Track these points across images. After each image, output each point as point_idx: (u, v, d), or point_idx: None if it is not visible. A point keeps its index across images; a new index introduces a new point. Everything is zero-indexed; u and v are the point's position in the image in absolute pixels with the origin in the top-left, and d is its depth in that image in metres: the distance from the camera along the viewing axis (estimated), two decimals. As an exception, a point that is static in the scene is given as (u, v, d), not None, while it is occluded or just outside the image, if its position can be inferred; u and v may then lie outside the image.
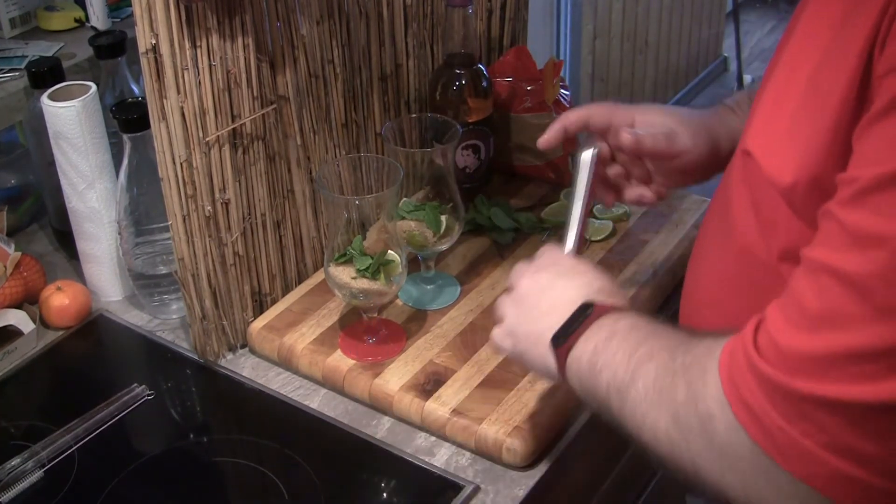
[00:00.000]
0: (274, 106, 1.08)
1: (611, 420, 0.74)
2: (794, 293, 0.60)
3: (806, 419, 0.58)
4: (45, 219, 1.37)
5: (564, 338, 0.78)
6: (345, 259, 1.04)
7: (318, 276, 1.19)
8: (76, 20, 1.42)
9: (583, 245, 0.95)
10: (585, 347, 0.76)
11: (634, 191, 1.00)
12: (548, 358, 0.80)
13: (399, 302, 1.15)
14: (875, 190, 0.56)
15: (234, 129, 1.04)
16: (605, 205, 1.01)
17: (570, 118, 1.00)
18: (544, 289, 0.84)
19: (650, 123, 0.96)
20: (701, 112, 1.00)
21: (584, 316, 0.78)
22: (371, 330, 1.08)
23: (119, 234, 1.17)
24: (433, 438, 1.01)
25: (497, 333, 0.88)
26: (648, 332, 0.74)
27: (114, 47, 1.24)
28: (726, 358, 0.64)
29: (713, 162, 0.96)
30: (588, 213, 0.96)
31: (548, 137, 1.00)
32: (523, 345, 0.84)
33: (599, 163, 0.97)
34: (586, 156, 0.96)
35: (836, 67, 0.62)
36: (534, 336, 0.82)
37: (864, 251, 0.56)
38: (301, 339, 1.09)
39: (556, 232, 1.27)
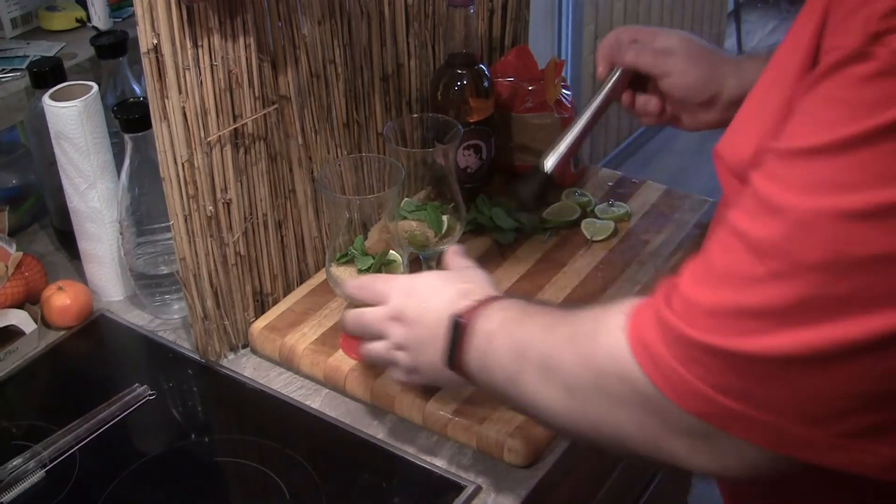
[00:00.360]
0: (275, 106, 1.08)
1: (518, 410, 0.80)
2: (706, 249, 0.65)
3: (698, 363, 0.62)
4: (46, 219, 1.37)
5: (453, 357, 0.83)
6: (346, 259, 1.04)
7: (320, 277, 1.19)
8: (77, 20, 1.42)
9: (567, 163, 1.03)
10: (473, 356, 0.82)
11: (643, 97, 1.06)
12: (454, 378, 0.86)
13: (400, 302, 1.15)
14: (785, 162, 0.60)
15: (235, 129, 1.04)
16: (626, 105, 1.07)
17: (604, 44, 1.06)
18: (416, 322, 0.88)
19: (654, 41, 1.03)
20: (727, 53, 1.03)
21: (457, 331, 0.82)
22: None
23: (120, 234, 1.16)
24: (435, 438, 1.01)
25: (399, 375, 0.93)
26: (520, 321, 0.79)
27: (115, 47, 1.24)
28: (636, 311, 0.68)
29: (709, 99, 1.00)
30: (589, 130, 1.03)
31: (601, 70, 1.07)
32: (432, 376, 0.90)
33: (621, 82, 1.05)
34: (611, 74, 1.05)
35: (794, 48, 0.65)
36: (432, 366, 0.87)
37: (766, 219, 0.59)
38: (303, 340, 1.09)
39: (558, 232, 1.27)
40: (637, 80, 1.05)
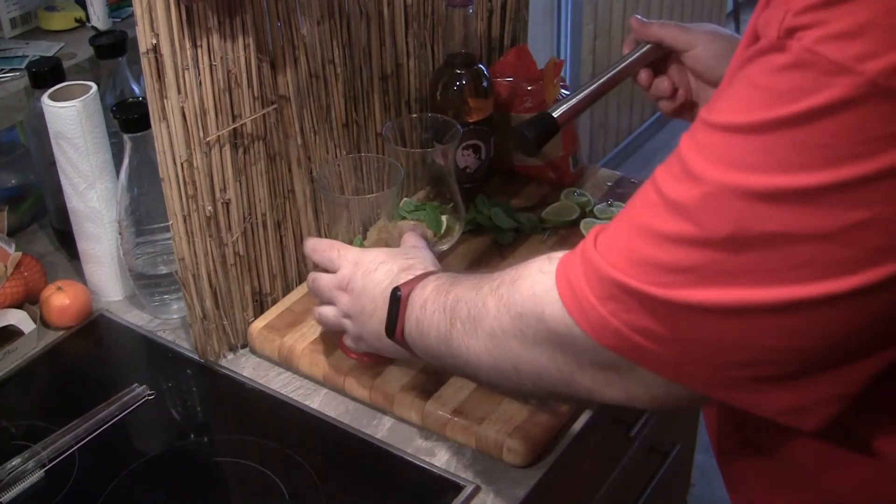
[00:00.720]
0: (274, 106, 1.08)
1: (453, 370, 0.86)
2: (634, 198, 0.69)
3: (614, 300, 0.67)
4: (45, 219, 1.37)
5: (392, 327, 0.88)
6: None
7: (319, 276, 1.19)
8: (77, 20, 1.42)
9: (575, 116, 1.05)
10: (410, 323, 0.87)
11: (659, 77, 1.09)
12: (395, 347, 0.91)
13: (400, 302, 1.15)
14: (706, 133, 0.63)
15: (234, 129, 1.04)
16: (641, 83, 1.10)
17: (632, 22, 1.10)
18: (361, 293, 0.94)
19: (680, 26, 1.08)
20: None
21: (396, 301, 0.87)
22: None
23: (120, 234, 1.17)
24: (434, 438, 1.01)
25: (349, 342, 1.00)
26: (452, 284, 0.84)
27: (114, 47, 1.24)
28: (567, 256, 0.73)
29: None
30: (602, 93, 1.06)
31: (627, 47, 1.10)
32: (376, 344, 0.95)
33: (644, 56, 1.07)
34: (636, 48, 1.07)
35: (751, 23, 0.68)
36: (375, 335, 0.93)
37: (685, 184, 0.63)
38: (302, 339, 1.09)
39: (557, 232, 1.27)
40: (658, 64, 1.09)
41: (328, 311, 0.99)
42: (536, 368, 0.75)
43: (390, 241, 1.04)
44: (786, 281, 0.60)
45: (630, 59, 1.07)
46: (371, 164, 1.09)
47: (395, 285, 0.88)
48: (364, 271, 0.94)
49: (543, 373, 0.75)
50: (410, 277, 0.89)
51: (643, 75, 1.09)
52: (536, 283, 0.74)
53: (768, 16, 0.61)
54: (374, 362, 1.05)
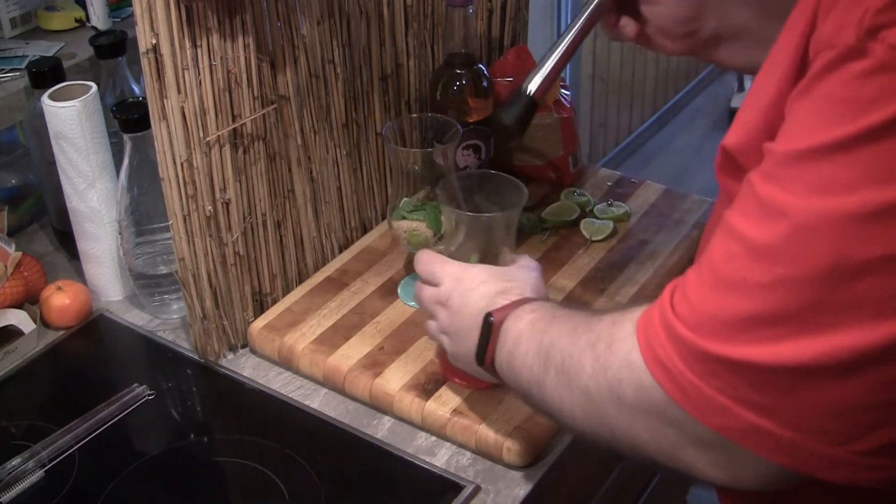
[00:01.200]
0: (274, 106, 1.08)
1: (546, 415, 0.81)
2: (709, 255, 0.64)
3: (716, 376, 0.61)
4: (45, 219, 1.37)
5: (482, 354, 0.85)
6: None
7: (319, 276, 1.19)
8: (77, 20, 1.42)
9: (551, 86, 0.99)
10: (502, 356, 0.84)
11: (625, 18, 0.99)
12: (485, 373, 0.88)
13: (400, 301, 1.15)
14: (785, 164, 0.59)
15: (234, 129, 1.04)
16: (604, 25, 1.00)
17: None
18: (458, 311, 0.91)
19: None
20: None
21: (489, 329, 0.84)
22: None
23: (119, 233, 1.17)
24: (434, 438, 1.01)
25: (449, 357, 0.96)
26: (548, 323, 0.79)
27: (114, 47, 1.24)
28: (644, 319, 0.68)
29: (688, 33, 0.95)
30: (572, 53, 0.99)
31: None
32: (469, 367, 0.91)
33: (605, 3, 0.98)
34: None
35: (784, 47, 0.64)
36: (469, 357, 0.89)
37: (770, 223, 0.59)
38: (302, 339, 1.09)
39: (557, 232, 1.27)
40: (622, 3, 0.99)
41: (431, 324, 0.96)
42: (634, 439, 0.70)
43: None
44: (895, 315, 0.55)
45: (592, 9, 0.99)
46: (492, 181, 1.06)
47: (489, 309, 0.85)
48: (464, 289, 0.91)
49: (642, 445, 0.69)
50: (506, 302, 0.85)
51: (609, 19, 1.00)
52: (633, 350, 0.67)
53: (832, 27, 0.57)
54: (471, 386, 1.01)
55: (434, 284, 0.94)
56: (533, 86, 1.01)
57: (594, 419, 0.72)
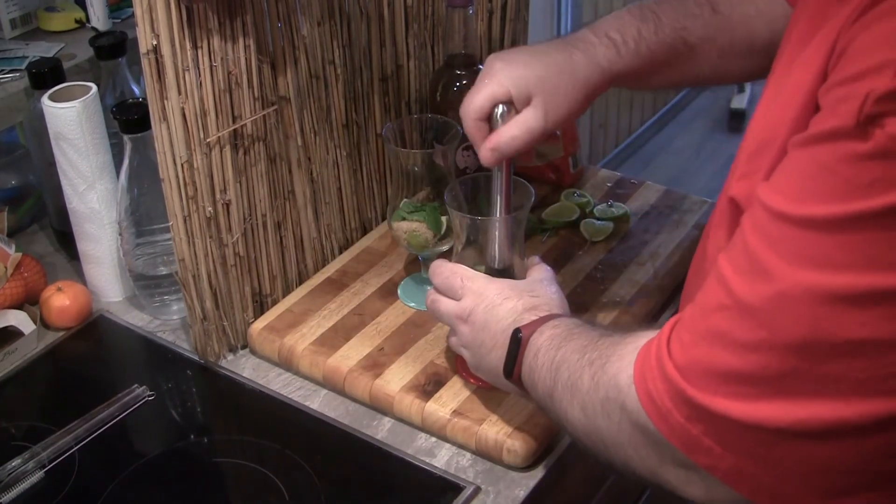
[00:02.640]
0: (275, 107, 1.08)
1: (557, 424, 0.83)
2: (703, 298, 0.65)
3: (701, 421, 0.63)
4: (45, 219, 1.37)
5: (511, 369, 0.86)
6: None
7: (319, 277, 1.19)
8: (77, 21, 1.42)
9: (509, 205, 0.97)
10: (525, 368, 0.85)
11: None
12: (512, 385, 0.88)
13: (400, 302, 1.15)
14: (777, 224, 0.59)
15: (234, 130, 1.04)
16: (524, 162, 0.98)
17: (473, 135, 0.96)
18: (482, 328, 0.91)
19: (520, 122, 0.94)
20: (566, 63, 0.93)
21: (517, 345, 0.85)
22: None
23: (119, 234, 1.17)
24: (434, 439, 1.01)
25: (470, 370, 0.97)
26: (563, 339, 0.81)
27: (114, 48, 1.24)
28: (644, 351, 0.70)
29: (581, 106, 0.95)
30: (510, 174, 0.97)
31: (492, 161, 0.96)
32: (492, 379, 0.93)
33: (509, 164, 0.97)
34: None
35: (795, 89, 0.63)
36: (493, 371, 0.90)
37: (756, 282, 0.59)
38: (302, 340, 1.09)
39: (557, 232, 1.27)
40: None
41: (451, 339, 0.97)
42: (621, 455, 0.73)
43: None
44: (881, 393, 0.56)
45: (505, 176, 0.96)
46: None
47: (517, 325, 0.86)
48: (487, 305, 0.91)
49: (629, 460, 0.73)
50: (534, 318, 0.86)
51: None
52: (623, 373, 0.71)
53: (840, 93, 0.56)
54: (485, 386, 1.01)
55: (452, 297, 0.94)
56: (496, 260, 0.98)
57: (591, 433, 0.76)
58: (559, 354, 0.80)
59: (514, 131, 0.93)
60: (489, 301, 0.91)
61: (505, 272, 0.97)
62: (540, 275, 0.95)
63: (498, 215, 0.97)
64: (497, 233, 0.97)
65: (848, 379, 0.56)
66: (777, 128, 0.65)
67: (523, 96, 0.92)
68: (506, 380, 0.88)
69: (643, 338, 0.72)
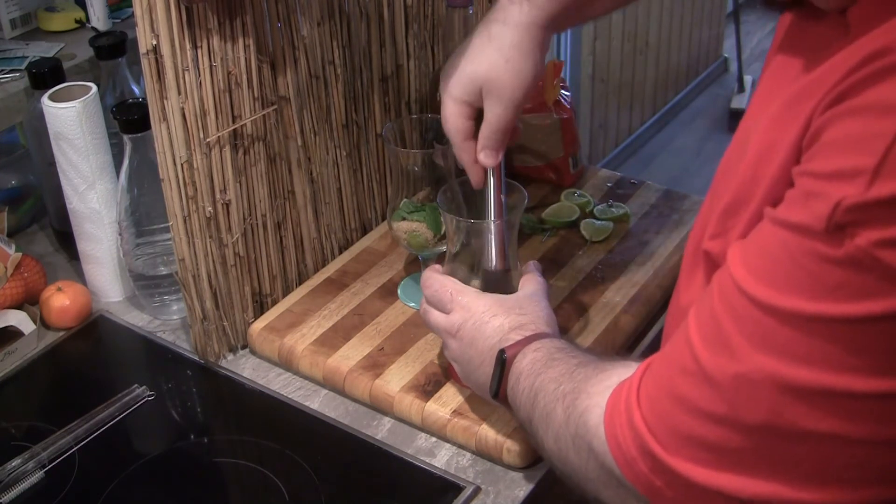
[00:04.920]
0: (275, 107, 1.08)
1: (536, 448, 0.85)
2: (671, 353, 0.66)
3: (664, 474, 0.64)
4: (45, 219, 1.37)
5: (496, 389, 0.87)
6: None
7: (319, 277, 1.19)
8: (77, 21, 1.42)
9: (504, 258, 0.97)
10: (509, 392, 0.86)
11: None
12: (497, 403, 0.90)
13: (400, 302, 1.15)
14: (743, 301, 0.59)
15: (234, 130, 1.04)
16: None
17: (460, 148, 0.96)
18: (469, 344, 0.91)
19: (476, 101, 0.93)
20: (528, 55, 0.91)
21: (502, 364, 0.86)
22: None
23: (119, 234, 1.17)
24: (434, 439, 1.01)
25: (462, 379, 0.97)
26: (544, 365, 0.82)
27: (114, 48, 1.24)
28: (615, 395, 0.71)
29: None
30: (501, 177, 0.97)
31: (477, 180, 0.98)
32: (482, 395, 0.94)
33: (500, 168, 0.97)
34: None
35: (768, 145, 0.63)
36: (480, 387, 0.92)
37: (720, 357, 0.60)
38: (302, 340, 1.09)
39: (557, 233, 1.27)
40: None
41: (446, 352, 0.97)
42: (591, 488, 0.74)
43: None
44: (842, 482, 0.56)
45: (495, 190, 0.96)
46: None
47: (502, 346, 0.86)
48: (475, 322, 0.91)
49: (598, 494, 0.74)
50: (519, 338, 0.86)
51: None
52: (590, 412, 0.72)
53: (812, 186, 0.55)
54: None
55: (441, 311, 0.95)
56: (492, 264, 0.97)
57: (563, 464, 0.77)
58: (537, 382, 0.81)
59: (485, 132, 0.93)
60: (477, 317, 0.91)
61: (497, 275, 0.97)
62: (531, 288, 0.95)
63: (490, 218, 0.97)
64: (490, 236, 0.97)
65: (809, 464, 0.57)
66: (751, 189, 0.64)
67: (477, 96, 0.91)
68: (491, 397, 0.89)
69: (615, 375, 0.73)
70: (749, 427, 0.58)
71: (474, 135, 0.94)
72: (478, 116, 0.94)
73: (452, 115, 0.93)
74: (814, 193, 0.55)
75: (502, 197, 0.97)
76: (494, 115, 0.92)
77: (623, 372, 0.73)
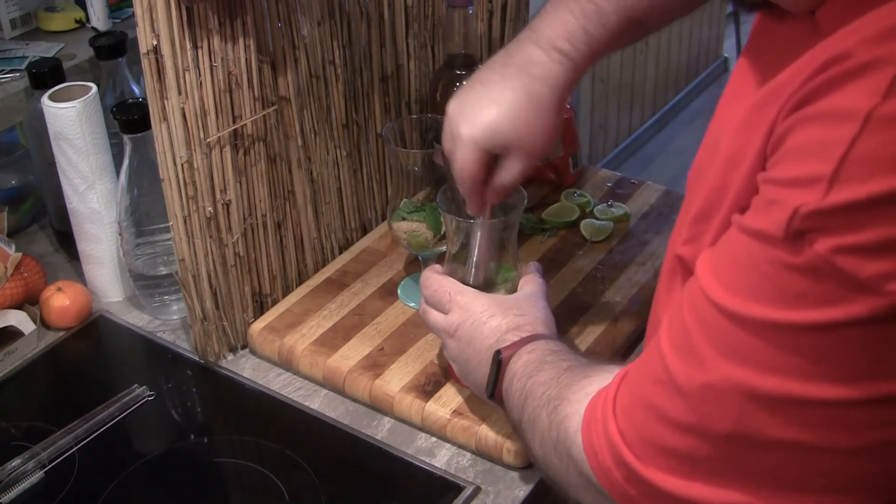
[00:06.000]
0: (275, 107, 1.08)
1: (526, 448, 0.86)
2: (645, 363, 0.66)
3: (639, 484, 0.65)
4: (45, 219, 1.37)
5: (492, 389, 0.88)
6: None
7: (319, 277, 1.19)
8: (77, 21, 1.42)
9: (483, 272, 0.97)
10: (504, 393, 0.86)
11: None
12: (494, 404, 0.90)
13: (400, 302, 1.15)
14: (710, 310, 0.59)
15: (235, 130, 1.04)
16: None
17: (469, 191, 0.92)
18: (467, 344, 0.92)
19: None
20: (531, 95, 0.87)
21: (497, 364, 0.86)
22: None
23: (119, 234, 1.17)
24: (434, 439, 1.01)
25: (460, 378, 0.98)
26: (535, 368, 0.82)
27: (114, 48, 1.24)
28: (592, 404, 0.71)
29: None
30: (489, 242, 0.97)
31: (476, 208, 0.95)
32: (479, 395, 0.94)
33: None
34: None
35: (737, 150, 0.63)
36: (477, 387, 0.93)
37: (689, 367, 0.60)
38: (302, 340, 1.09)
39: (557, 232, 1.27)
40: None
41: (443, 349, 0.98)
42: (572, 493, 0.76)
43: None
44: (812, 490, 0.56)
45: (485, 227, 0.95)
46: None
47: (499, 346, 0.87)
48: (473, 322, 0.91)
49: (578, 498, 0.75)
50: (515, 339, 0.87)
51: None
52: (569, 420, 0.73)
53: (773, 193, 0.55)
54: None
55: (440, 311, 0.95)
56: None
57: (548, 468, 0.78)
58: (528, 385, 0.81)
59: (506, 183, 0.89)
60: (475, 318, 0.91)
61: (492, 276, 0.98)
62: (531, 289, 0.95)
63: (478, 232, 0.97)
64: (484, 236, 0.97)
65: (778, 473, 0.57)
66: (721, 196, 0.64)
67: (501, 147, 0.87)
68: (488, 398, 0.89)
69: (596, 382, 0.74)
70: (718, 436, 0.58)
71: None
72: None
73: (471, 162, 0.87)
74: (775, 201, 0.55)
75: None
76: (519, 170, 0.88)
77: (605, 379, 0.73)
